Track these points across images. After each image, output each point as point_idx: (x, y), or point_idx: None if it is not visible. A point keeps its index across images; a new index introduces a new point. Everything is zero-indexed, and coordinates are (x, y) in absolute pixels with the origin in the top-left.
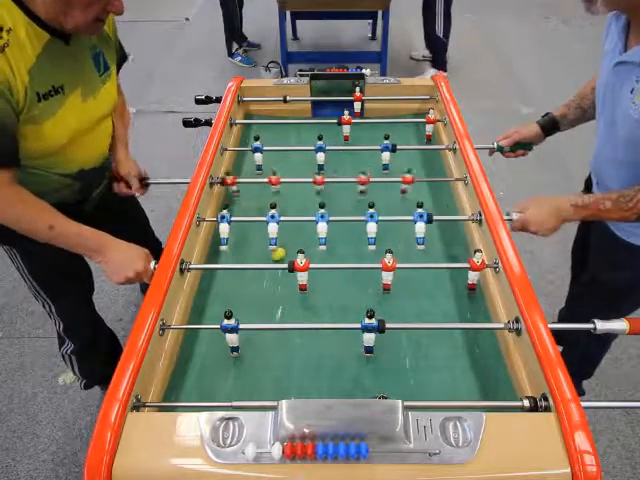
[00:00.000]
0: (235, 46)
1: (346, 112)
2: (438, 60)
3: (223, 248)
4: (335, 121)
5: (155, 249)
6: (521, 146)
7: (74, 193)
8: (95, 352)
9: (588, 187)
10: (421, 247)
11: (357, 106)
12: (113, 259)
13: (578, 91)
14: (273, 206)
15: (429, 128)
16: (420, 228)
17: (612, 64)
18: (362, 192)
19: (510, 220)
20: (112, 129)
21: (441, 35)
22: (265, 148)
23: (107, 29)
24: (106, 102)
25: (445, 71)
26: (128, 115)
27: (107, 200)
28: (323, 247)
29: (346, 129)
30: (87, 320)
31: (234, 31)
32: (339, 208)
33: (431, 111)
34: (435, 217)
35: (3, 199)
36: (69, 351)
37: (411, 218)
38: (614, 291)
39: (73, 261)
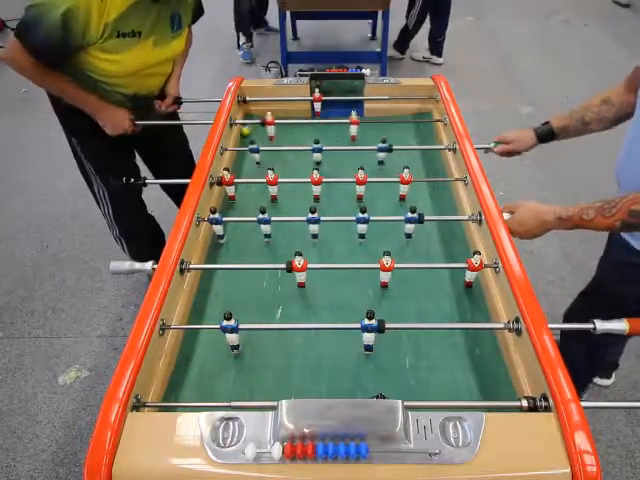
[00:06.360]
0: (242, 39)
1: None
2: (399, 43)
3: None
4: (335, 121)
5: (190, 164)
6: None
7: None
8: (141, 235)
9: None
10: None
11: (317, 106)
12: (107, 120)
13: (585, 102)
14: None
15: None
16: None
17: None
18: (359, 196)
19: None
20: (170, 71)
21: (410, 26)
22: (265, 148)
23: None
24: (170, 53)
25: (403, 54)
26: (187, 53)
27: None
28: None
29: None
30: (132, 206)
31: (241, 22)
32: (339, 208)
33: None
34: (435, 217)
35: (50, 79)
36: (117, 233)
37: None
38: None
39: (118, 149)
